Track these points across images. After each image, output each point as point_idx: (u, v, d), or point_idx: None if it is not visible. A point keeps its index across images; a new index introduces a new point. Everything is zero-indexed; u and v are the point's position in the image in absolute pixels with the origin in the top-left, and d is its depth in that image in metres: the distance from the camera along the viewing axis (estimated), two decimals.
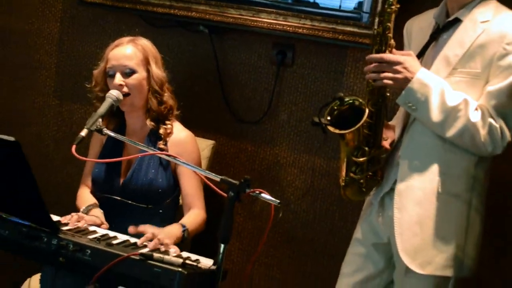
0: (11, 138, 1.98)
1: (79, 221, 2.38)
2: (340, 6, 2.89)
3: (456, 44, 2.24)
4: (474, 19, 2.24)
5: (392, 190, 2.34)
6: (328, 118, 2.28)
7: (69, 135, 3.49)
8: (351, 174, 2.35)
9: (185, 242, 2.50)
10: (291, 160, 3.14)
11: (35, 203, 2.08)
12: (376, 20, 2.29)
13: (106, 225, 2.48)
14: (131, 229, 2.30)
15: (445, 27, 2.30)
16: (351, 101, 2.28)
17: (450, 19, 2.29)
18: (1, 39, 3.58)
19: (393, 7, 2.20)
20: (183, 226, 2.50)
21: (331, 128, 2.26)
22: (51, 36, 3.49)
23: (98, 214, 2.56)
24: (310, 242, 3.14)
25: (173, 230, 2.44)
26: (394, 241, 2.30)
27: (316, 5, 2.93)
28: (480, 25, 2.22)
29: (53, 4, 3.46)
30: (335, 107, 2.30)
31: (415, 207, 2.27)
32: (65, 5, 3.44)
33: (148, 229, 2.29)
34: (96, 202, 2.67)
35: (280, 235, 3.15)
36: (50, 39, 3.49)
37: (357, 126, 2.23)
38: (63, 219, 2.36)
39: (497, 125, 2.17)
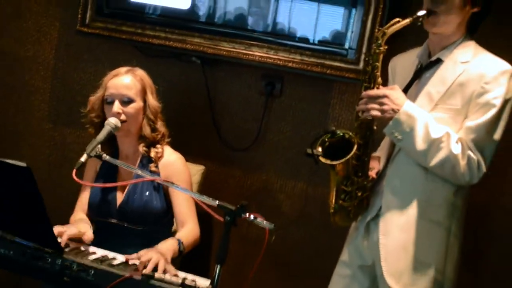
0: (23, 164, 2.05)
1: (60, 235, 2.40)
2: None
3: (438, 82, 2.37)
4: (454, 59, 2.37)
5: (377, 216, 2.46)
6: (320, 149, 2.39)
7: (61, 158, 3.57)
8: (340, 202, 2.45)
9: (181, 256, 2.57)
10: (278, 186, 3.24)
11: (42, 225, 2.15)
12: (366, 59, 2.38)
13: (88, 236, 2.50)
14: (128, 257, 2.33)
15: (427, 66, 2.43)
16: (341, 134, 2.40)
17: (433, 59, 2.42)
18: None
19: (381, 48, 2.32)
20: (179, 240, 2.57)
21: (323, 159, 2.37)
22: (46, 62, 3.56)
23: (86, 228, 2.59)
24: (297, 265, 3.23)
25: (169, 246, 2.50)
26: (380, 264, 2.41)
27: (306, 40, 3.04)
28: (461, 65, 2.35)
29: (49, 32, 3.54)
30: (326, 139, 2.41)
31: (399, 233, 2.38)
32: (61, 33, 3.51)
33: (143, 255, 2.31)
34: (87, 219, 2.73)
35: (268, 259, 3.12)
36: (45, 65, 3.57)
37: (347, 158, 2.34)
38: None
39: (475, 158, 2.30)
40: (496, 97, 2.30)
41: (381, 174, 2.51)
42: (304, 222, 3.21)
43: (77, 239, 2.47)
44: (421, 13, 2.31)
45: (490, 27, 2.60)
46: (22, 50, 3.59)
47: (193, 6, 3.19)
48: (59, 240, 2.36)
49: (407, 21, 2.30)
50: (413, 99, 2.42)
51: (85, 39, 3.44)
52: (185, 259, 2.77)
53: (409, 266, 2.38)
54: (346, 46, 3.00)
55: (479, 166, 2.32)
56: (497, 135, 2.33)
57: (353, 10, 2.98)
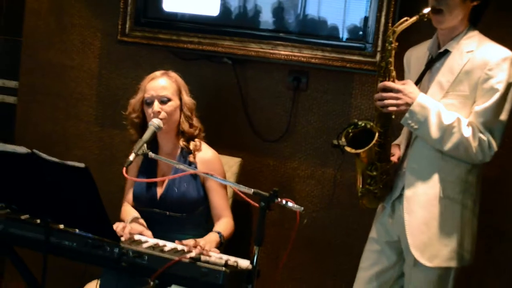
0: (82, 165, 2.25)
1: (123, 231, 2.65)
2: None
3: (447, 71, 2.56)
4: (460, 49, 2.55)
5: (401, 195, 2.65)
6: (344, 140, 2.58)
7: (110, 157, 3.80)
8: (367, 186, 2.65)
9: (222, 246, 2.81)
10: (309, 172, 3.42)
11: (100, 218, 2.35)
12: (381, 55, 2.57)
13: (149, 231, 2.77)
14: (177, 242, 2.60)
15: (437, 57, 2.61)
16: (363, 125, 2.60)
17: (441, 50, 2.60)
18: (45, 72, 3.86)
19: (392, 45, 2.52)
20: (219, 233, 2.83)
21: (348, 149, 2.57)
22: (91, 71, 3.78)
23: (142, 222, 2.87)
24: (328, 244, 3.40)
25: (212, 237, 2.78)
26: (405, 239, 2.60)
27: (327, 37, 3.22)
28: (466, 55, 2.53)
29: (92, 42, 3.76)
30: (350, 131, 2.61)
31: (421, 210, 2.58)
32: (103, 43, 3.73)
33: (190, 241, 2.59)
34: (138, 214, 2.95)
35: (301, 240, 3.39)
36: (90, 73, 3.78)
37: (370, 146, 2.54)
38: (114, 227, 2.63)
39: (485, 138, 2.48)
40: (499, 81, 2.47)
41: (402, 159, 2.70)
42: (334, 205, 3.37)
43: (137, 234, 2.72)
44: (426, 10, 2.50)
45: (492, 17, 2.77)
46: (68, 60, 3.81)
47: (222, 12, 3.39)
48: (121, 232, 2.62)
49: (414, 19, 2.49)
50: (426, 88, 2.60)
51: (125, 47, 3.64)
52: (228, 244, 2.97)
53: (431, 240, 2.57)
54: (364, 41, 3.16)
55: (489, 146, 2.50)
56: (504, 116, 2.51)
57: (368, 8, 3.15)
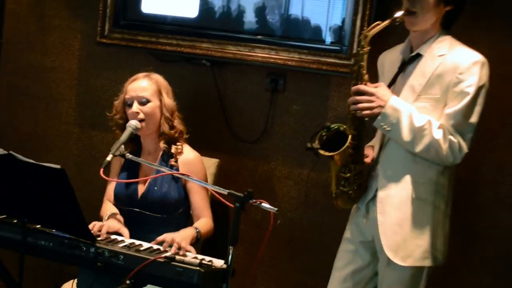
0: (57, 166, 2.28)
1: (100, 230, 2.68)
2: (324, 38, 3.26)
3: (419, 74, 2.59)
4: (432, 53, 2.59)
5: (375, 196, 2.68)
6: (317, 143, 2.60)
7: (89, 158, 3.82)
8: (341, 188, 2.68)
9: (198, 242, 2.83)
10: (286, 173, 3.45)
11: (76, 218, 2.38)
12: (352, 60, 2.61)
13: (126, 229, 2.79)
14: (153, 242, 2.64)
15: (409, 61, 2.65)
16: (336, 127, 2.62)
17: (413, 54, 2.63)
18: (25, 73, 3.89)
19: (365, 49, 2.55)
20: (196, 228, 2.84)
21: (321, 152, 2.59)
22: (71, 72, 3.80)
23: (119, 218, 2.90)
24: (305, 244, 3.44)
25: (188, 232, 2.78)
26: (379, 239, 2.64)
27: (302, 40, 3.26)
28: (438, 58, 2.57)
29: (71, 44, 3.78)
30: (323, 133, 2.63)
31: (394, 211, 2.62)
32: (82, 44, 3.75)
33: (167, 236, 2.63)
34: (117, 210, 2.98)
35: (280, 239, 3.43)
36: (70, 74, 3.80)
37: (342, 149, 2.57)
38: (90, 227, 2.67)
39: (456, 141, 2.52)
40: (469, 85, 2.51)
41: (375, 160, 2.73)
42: (311, 205, 3.40)
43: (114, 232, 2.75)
44: (398, 14, 2.53)
45: (466, 20, 2.81)
46: (48, 62, 3.83)
47: (200, 14, 3.42)
48: (98, 232, 2.65)
49: (386, 22, 2.52)
50: (399, 91, 2.63)
51: (105, 49, 3.66)
52: (206, 245, 3.01)
53: (404, 240, 2.61)
54: (340, 43, 3.20)
55: (460, 148, 2.53)
56: (474, 119, 2.54)
57: (344, 11, 3.19)
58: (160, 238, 2.66)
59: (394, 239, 2.62)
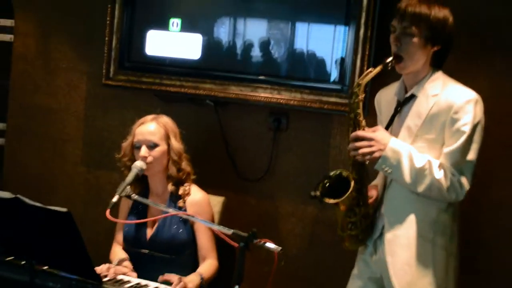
0: (64, 209, 2.32)
1: (108, 271, 2.73)
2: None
3: (415, 116, 2.62)
4: (426, 93, 2.61)
5: (381, 235, 2.70)
6: (318, 192, 2.63)
7: (96, 198, 3.85)
8: (348, 231, 2.70)
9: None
10: (290, 211, 3.46)
11: (83, 260, 2.40)
12: (348, 108, 2.63)
13: (134, 273, 2.82)
14: (160, 278, 2.70)
15: (404, 102, 2.68)
16: (338, 173, 2.65)
17: (407, 95, 2.67)
18: (32, 115, 3.95)
19: (359, 97, 2.58)
20: (201, 275, 2.88)
21: (326, 199, 2.61)
22: (77, 113, 3.86)
23: (127, 265, 2.92)
24: (311, 282, 3.44)
25: (194, 278, 2.83)
26: (388, 278, 2.65)
27: (304, 79, 3.31)
28: (432, 99, 2.59)
29: (78, 85, 3.85)
30: (326, 182, 2.66)
31: (402, 251, 2.63)
32: (89, 86, 3.81)
33: (173, 277, 2.70)
34: (127, 256, 3.00)
35: (284, 277, 3.41)
36: (77, 115, 3.86)
37: (346, 195, 2.59)
38: (97, 269, 2.68)
39: (456, 179, 2.54)
40: (465, 123, 2.53)
41: (380, 200, 2.76)
42: (316, 243, 3.41)
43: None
44: (389, 59, 2.57)
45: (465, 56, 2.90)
46: (55, 103, 3.90)
47: (203, 56, 3.49)
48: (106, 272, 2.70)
49: (378, 69, 2.55)
50: (397, 132, 2.66)
51: (110, 90, 3.72)
52: (212, 284, 3.01)
53: (415, 279, 2.62)
54: (340, 83, 3.24)
55: (461, 185, 2.55)
56: (471, 156, 2.56)
57: (344, 52, 3.24)
58: (166, 276, 2.71)
59: (405, 279, 2.64)
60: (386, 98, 2.82)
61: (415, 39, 2.57)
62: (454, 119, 2.55)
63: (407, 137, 2.63)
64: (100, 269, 2.75)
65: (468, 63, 3.09)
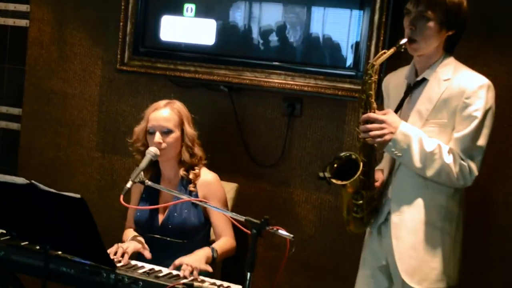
0: (77, 196, 2.34)
1: (123, 255, 2.74)
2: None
3: (426, 100, 2.62)
4: (438, 77, 2.62)
5: (386, 220, 2.71)
6: (328, 173, 2.64)
7: (111, 183, 3.88)
8: (353, 214, 2.71)
9: (215, 261, 2.87)
10: (304, 197, 3.47)
11: (96, 245, 2.45)
12: (360, 89, 2.63)
13: (147, 251, 2.86)
14: (171, 267, 2.70)
15: (415, 85, 2.68)
16: (347, 155, 2.65)
17: (419, 79, 2.66)
18: (48, 100, 3.97)
19: (372, 78, 2.58)
20: (212, 248, 2.89)
21: (334, 180, 2.62)
22: (92, 98, 3.88)
23: (141, 240, 2.96)
24: (324, 267, 3.45)
25: (203, 252, 2.83)
26: (394, 263, 2.66)
27: (319, 65, 3.30)
28: (444, 83, 2.60)
29: (93, 71, 3.86)
30: (335, 163, 2.66)
31: (409, 236, 2.64)
32: (104, 71, 3.82)
33: (183, 259, 2.70)
34: (138, 234, 3.04)
35: (298, 263, 3.45)
36: (91, 100, 3.88)
37: (355, 177, 2.59)
38: (109, 251, 2.73)
39: (466, 164, 2.55)
40: (477, 109, 2.54)
41: (386, 184, 2.76)
42: (329, 229, 3.42)
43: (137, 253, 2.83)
44: (403, 41, 2.57)
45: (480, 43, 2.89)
46: (70, 88, 3.91)
47: (217, 41, 3.49)
48: (121, 257, 2.73)
49: (391, 50, 2.56)
50: (406, 116, 2.66)
51: (125, 75, 3.73)
52: (225, 269, 3.07)
53: (420, 264, 2.64)
54: (354, 69, 3.23)
55: (470, 171, 2.57)
56: (482, 142, 2.58)
57: (358, 37, 3.24)
58: (177, 261, 2.72)
59: (409, 263, 2.65)
60: (395, 82, 2.81)
61: (431, 23, 2.57)
62: (466, 104, 2.56)
63: (418, 121, 2.63)
64: (114, 249, 2.78)
65: (482, 49, 3.08)
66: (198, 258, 2.75)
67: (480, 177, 2.62)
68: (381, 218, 2.76)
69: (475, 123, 2.55)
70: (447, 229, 2.66)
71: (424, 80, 2.66)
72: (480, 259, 3.21)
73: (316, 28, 3.34)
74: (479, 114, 2.55)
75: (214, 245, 2.93)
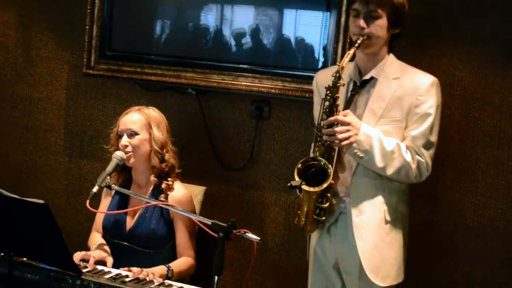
0: (41, 201, 2.30)
1: (83, 259, 2.72)
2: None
3: (378, 98, 2.67)
4: (387, 76, 2.68)
5: (336, 220, 2.77)
6: (297, 179, 2.64)
7: (78, 187, 3.84)
8: (314, 217, 2.71)
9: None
10: (273, 199, 3.48)
11: (61, 252, 2.41)
12: (327, 92, 2.63)
13: (111, 258, 2.81)
14: (123, 269, 2.67)
15: (362, 84, 2.71)
16: (319, 163, 2.66)
17: (367, 77, 2.70)
18: (14, 105, 3.93)
19: (341, 80, 2.60)
20: (168, 266, 2.86)
21: (306, 188, 2.62)
22: (59, 102, 3.84)
23: (106, 249, 2.92)
24: (293, 269, 3.46)
25: (158, 269, 2.80)
26: (348, 262, 2.74)
27: (286, 67, 3.31)
28: (394, 82, 2.66)
29: (59, 74, 3.83)
30: (299, 167, 2.67)
31: (370, 236, 2.70)
32: (70, 75, 3.80)
33: (137, 268, 2.66)
34: (104, 241, 3.00)
35: (268, 265, 3.46)
36: (58, 104, 3.85)
37: (327, 183, 2.62)
38: (74, 256, 2.71)
39: (423, 160, 2.64)
40: (431, 106, 2.63)
41: (335, 185, 2.75)
42: (299, 230, 3.27)
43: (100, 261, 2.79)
44: (361, 39, 2.61)
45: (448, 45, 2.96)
46: (36, 92, 3.88)
47: (185, 44, 3.48)
48: (85, 263, 2.70)
49: (353, 50, 2.60)
50: (359, 115, 2.69)
51: (91, 79, 3.71)
52: (195, 275, 3.03)
53: (382, 262, 2.71)
54: None
55: (427, 166, 2.67)
56: (434, 137, 2.68)
57: (325, 39, 3.24)
58: (133, 268, 2.67)
59: (374, 262, 2.71)
60: (326, 80, 2.74)
61: (382, 21, 2.64)
62: (420, 102, 2.64)
63: (371, 120, 2.67)
64: (76, 256, 2.75)
65: (450, 52, 3.13)
66: (153, 271, 2.73)
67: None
68: (331, 218, 2.79)
69: (430, 119, 2.64)
70: (399, 228, 2.75)
71: (372, 79, 2.70)
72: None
73: (283, 31, 3.34)
74: (432, 111, 2.64)
75: (171, 264, 2.91)
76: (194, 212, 3.08)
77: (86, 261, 2.74)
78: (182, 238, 3.00)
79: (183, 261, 2.98)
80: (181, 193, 3.03)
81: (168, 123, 3.12)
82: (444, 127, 2.74)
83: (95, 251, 2.87)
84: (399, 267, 2.76)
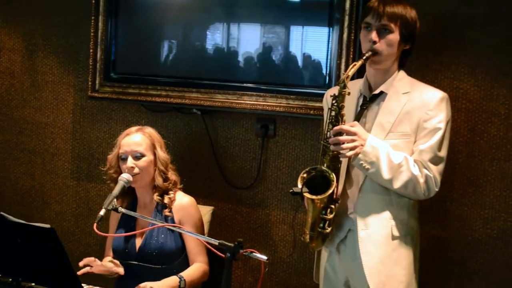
0: (47, 226, 2.31)
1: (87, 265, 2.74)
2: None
3: (387, 112, 2.65)
4: (396, 91, 2.66)
5: (345, 237, 2.73)
6: (299, 186, 2.63)
7: (87, 210, 3.85)
8: (319, 229, 2.67)
9: None
10: (281, 217, 3.46)
11: (69, 276, 2.41)
12: (333, 101, 2.61)
13: (121, 268, 2.83)
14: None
15: (371, 99, 2.70)
16: (320, 170, 2.65)
17: (376, 92, 2.69)
18: (21, 129, 3.95)
19: (346, 89, 2.58)
20: (180, 277, 2.86)
21: (308, 195, 2.62)
22: (65, 126, 3.86)
23: (116, 262, 2.91)
24: (302, 287, 3.43)
25: (169, 281, 2.81)
26: (359, 279, 2.68)
27: (290, 85, 3.31)
28: (403, 96, 2.65)
29: (65, 98, 3.85)
30: (304, 176, 2.66)
31: (376, 251, 2.66)
32: (76, 99, 3.82)
33: (147, 284, 2.68)
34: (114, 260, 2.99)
35: (277, 284, 3.44)
36: (65, 128, 3.87)
37: (329, 191, 2.59)
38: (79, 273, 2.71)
39: (431, 175, 2.60)
40: (440, 121, 2.61)
41: (342, 199, 2.73)
42: (306, 248, 3.33)
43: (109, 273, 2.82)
44: (368, 53, 2.60)
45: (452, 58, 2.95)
46: (43, 117, 3.90)
47: (188, 65, 3.49)
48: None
49: (360, 62, 2.58)
50: (368, 129, 2.66)
51: (97, 102, 3.73)
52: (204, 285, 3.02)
53: (388, 278, 2.66)
54: (325, 87, 3.19)
55: (435, 181, 2.62)
56: (444, 152, 2.64)
57: (329, 56, 3.24)
58: (142, 285, 2.70)
59: (379, 278, 2.67)
60: None
61: (394, 36, 2.62)
62: (429, 116, 2.62)
63: (380, 134, 2.65)
64: (83, 262, 2.77)
65: (454, 64, 3.12)
66: (162, 285, 2.74)
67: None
68: (341, 234, 2.76)
69: (439, 134, 2.61)
70: (409, 244, 2.70)
71: (382, 93, 2.69)
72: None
73: (286, 49, 3.35)
74: (442, 126, 2.61)
75: (183, 274, 2.90)
76: (200, 217, 3.09)
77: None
78: (192, 244, 3.00)
79: (195, 269, 2.97)
80: (184, 200, 3.05)
81: (169, 143, 3.14)
82: (450, 141, 2.71)
83: (106, 263, 2.87)
84: (408, 284, 2.69)
